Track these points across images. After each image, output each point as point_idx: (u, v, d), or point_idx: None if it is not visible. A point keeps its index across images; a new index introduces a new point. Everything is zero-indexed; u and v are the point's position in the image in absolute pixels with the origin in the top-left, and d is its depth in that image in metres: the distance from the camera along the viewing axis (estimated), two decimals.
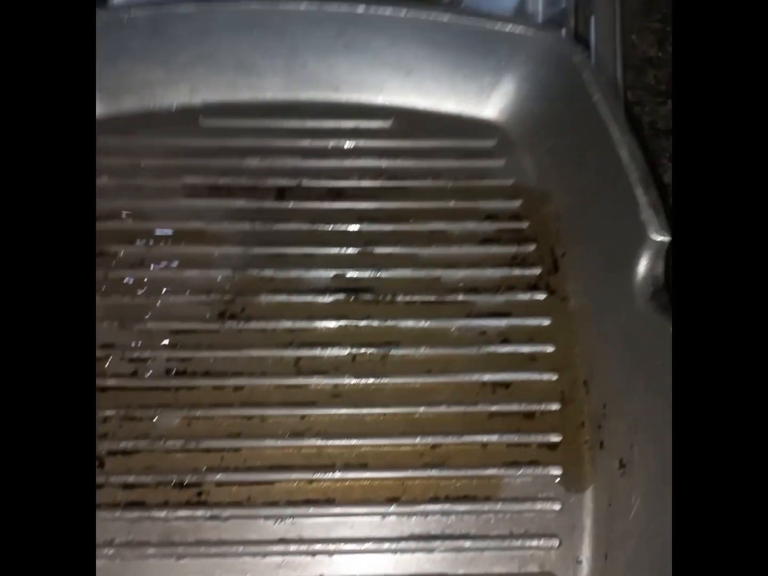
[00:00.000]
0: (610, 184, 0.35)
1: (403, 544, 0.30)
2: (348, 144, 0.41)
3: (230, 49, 0.40)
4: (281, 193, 0.40)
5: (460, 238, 0.38)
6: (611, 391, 0.33)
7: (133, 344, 0.35)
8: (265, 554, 0.30)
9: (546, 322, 0.35)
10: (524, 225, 0.39)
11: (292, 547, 0.30)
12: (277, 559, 0.30)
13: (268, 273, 0.37)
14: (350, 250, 0.38)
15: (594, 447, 0.32)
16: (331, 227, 0.39)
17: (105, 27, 0.36)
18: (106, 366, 0.34)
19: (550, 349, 0.35)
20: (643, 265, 0.32)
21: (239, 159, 0.41)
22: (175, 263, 0.37)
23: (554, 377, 0.34)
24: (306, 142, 0.41)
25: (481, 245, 0.38)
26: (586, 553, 0.30)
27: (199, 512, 0.31)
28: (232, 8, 0.39)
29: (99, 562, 0.29)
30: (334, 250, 0.38)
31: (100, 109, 0.41)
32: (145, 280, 0.36)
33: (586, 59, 0.38)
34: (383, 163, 0.41)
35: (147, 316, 0.35)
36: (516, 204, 0.39)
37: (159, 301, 0.36)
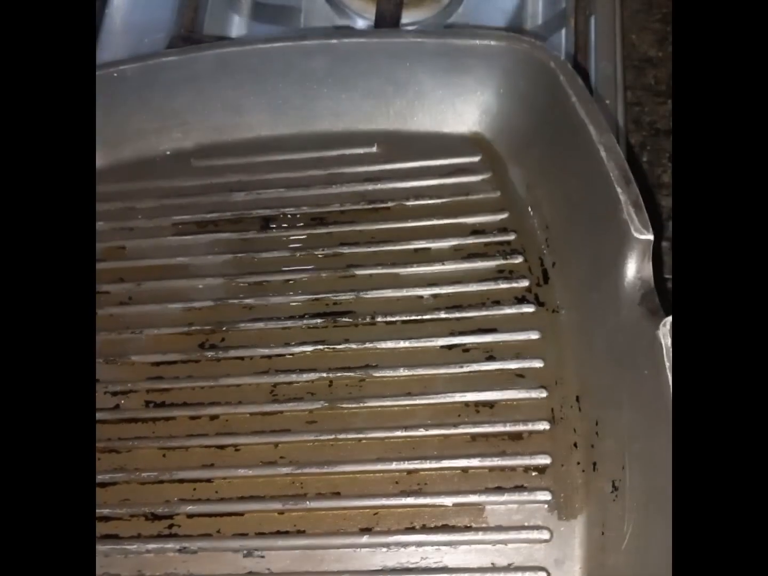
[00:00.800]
0: (593, 187, 0.35)
1: None
2: (331, 172, 0.44)
3: (215, 93, 0.45)
4: (265, 224, 0.43)
5: (444, 254, 0.40)
6: (603, 407, 0.32)
7: (115, 378, 0.37)
8: None
9: (534, 335, 0.36)
10: (511, 237, 0.40)
11: None
12: None
13: (249, 302, 0.40)
14: (330, 274, 0.40)
15: (587, 469, 0.32)
16: (311, 252, 0.41)
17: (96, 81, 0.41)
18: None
19: (538, 364, 0.35)
20: (629, 267, 0.32)
21: (227, 194, 0.44)
22: (160, 299, 0.40)
23: (543, 394, 0.34)
24: (291, 174, 0.44)
25: (465, 260, 0.39)
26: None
27: (169, 545, 0.32)
28: (213, 53, 0.44)
29: None
30: (314, 275, 0.40)
31: (99, 160, 0.47)
32: (132, 316, 0.40)
33: (563, 63, 0.40)
34: (366, 187, 0.43)
35: (131, 351, 0.38)
36: (502, 216, 0.41)
37: (143, 336, 0.39)
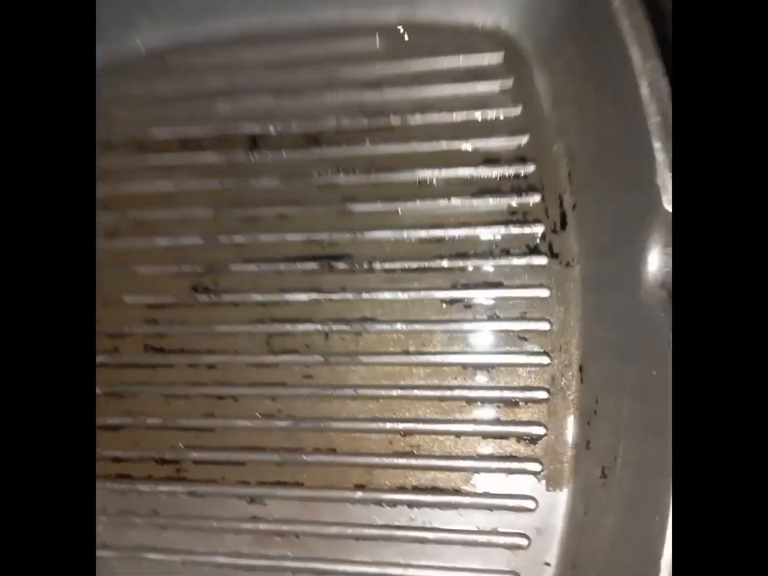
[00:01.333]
0: (628, 126, 0.32)
1: (366, 531, 0.34)
2: (326, 74, 0.40)
3: None
4: (252, 143, 0.40)
5: (451, 189, 0.37)
6: (605, 384, 0.32)
7: (112, 320, 0.39)
8: (237, 531, 0.36)
9: (543, 294, 0.35)
10: (530, 169, 0.37)
11: (262, 526, 0.36)
12: (249, 536, 0.35)
13: (239, 239, 0.40)
14: (326, 209, 0.38)
15: (580, 446, 0.33)
16: (305, 182, 0.39)
17: None
18: None
19: (544, 326, 0.35)
20: (654, 241, 0.30)
21: (210, 102, 0.41)
22: (148, 231, 0.40)
23: (545, 361, 0.35)
24: (280, 76, 0.40)
25: (474, 197, 0.37)
26: (553, 559, 0.32)
27: (179, 488, 0.37)
28: None
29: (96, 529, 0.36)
30: (308, 210, 0.39)
31: None
32: (120, 251, 0.40)
33: None
34: (365, 96, 0.39)
35: (123, 291, 0.39)
36: (522, 141, 0.38)
37: (133, 273, 0.39)
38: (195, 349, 0.41)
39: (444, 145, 0.40)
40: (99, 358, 0.42)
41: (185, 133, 0.44)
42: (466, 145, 0.40)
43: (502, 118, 0.40)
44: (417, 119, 0.41)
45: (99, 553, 0.39)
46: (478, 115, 0.40)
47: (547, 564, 0.35)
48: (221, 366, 0.40)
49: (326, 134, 0.42)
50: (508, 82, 0.40)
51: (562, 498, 0.35)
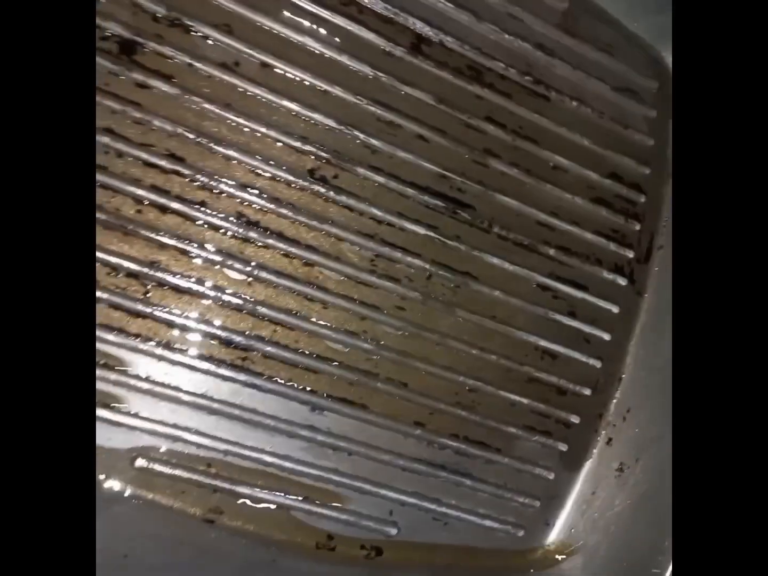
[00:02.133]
0: None
1: (413, 465, 0.41)
2: (510, 9, 0.42)
3: None
4: (417, 44, 0.41)
5: (577, 185, 0.43)
6: (640, 400, 0.43)
7: (206, 167, 0.37)
8: (292, 435, 0.39)
9: (615, 309, 0.44)
10: (641, 199, 0.45)
11: (319, 437, 0.39)
12: (303, 443, 0.39)
13: (374, 143, 0.40)
14: (466, 151, 0.41)
15: (602, 440, 0.43)
16: (456, 114, 0.41)
17: None
18: (172, 183, 0.37)
19: (606, 336, 0.45)
20: None
21: None
22: (274, 83, 0.38)
23: (598, 365, 0.44)
24: None
25: (592, 202, 0.44)
26: (555, 521, 0.43)
27: (241, 376, 0.37)
28: None
29: (131, 395, 0.35)
30: (450, 144, 0.41)
31: None
32: (234, 90, 0.37)
33: None
34: (536, 55, 0.44)
35: (228, 140, 0.37)
36: (643, 171, 0.45)
37: (244, 125, 0.37)
38: (295, 239, 0.41)
39: (586, 142, 0.46)
40: (179, 206, 0.38)
41: None
42: (602, 152, 0.47)
43: (636, 140, 0.47)
44: (572, 105, 0.46)
45: (128, 420, 0.38)
46: (619, 128, 0.47)
47: (547, 524, 0.46)
48: (318, 268, 0.41)
49: (490, 74, 0.44)
50: (652, 112, 0.48)
51: (577, 478, 0.46)
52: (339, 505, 0.42)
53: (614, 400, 0.48)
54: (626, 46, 0.48)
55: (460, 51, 0.44)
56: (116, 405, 0.38)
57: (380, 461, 0.43)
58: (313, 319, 0.41)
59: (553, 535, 0.47)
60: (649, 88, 0.48)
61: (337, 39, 0.41)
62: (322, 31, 0.41)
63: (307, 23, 0.41)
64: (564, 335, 0.47)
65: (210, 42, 0.39)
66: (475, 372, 0.45)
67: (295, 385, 0.41)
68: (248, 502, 0.40)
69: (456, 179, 0.44)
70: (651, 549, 0.42)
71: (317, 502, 0.42)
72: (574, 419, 0.47)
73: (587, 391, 0.47)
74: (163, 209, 0.39)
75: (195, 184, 0.39)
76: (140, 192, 0.38)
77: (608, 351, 0.48)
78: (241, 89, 0.40)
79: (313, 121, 0.41)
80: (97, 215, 0.37)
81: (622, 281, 0.48)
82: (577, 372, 0.47)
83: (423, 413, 0.44)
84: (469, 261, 0.45)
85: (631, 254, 0.48)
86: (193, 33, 0.39)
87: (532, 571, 0.45)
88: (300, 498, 0.41)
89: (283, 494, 0.41)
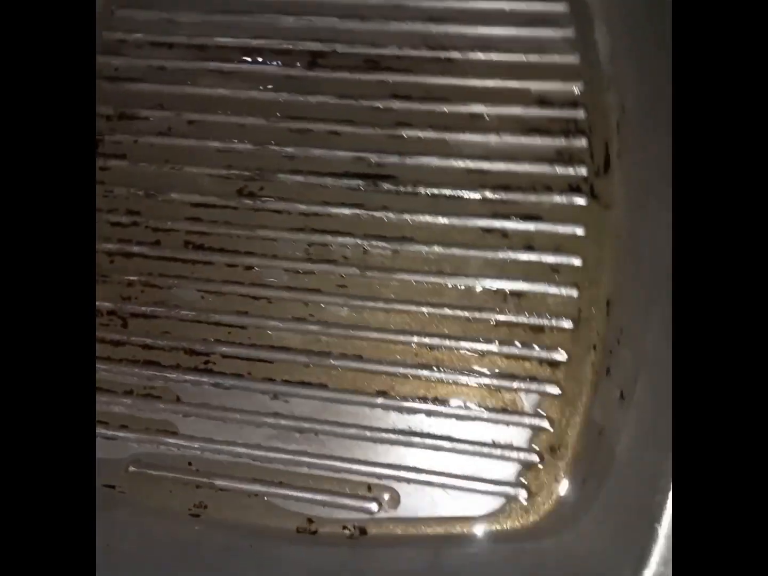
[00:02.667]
0: None
1: (384, 435, 0.41)
2: (392, 2, 0.47)
3: None
4: (313, 60, 0.47)
5: (502, 124, 0.44)
6: (630, 317, 0.39)
7: (156, 214, 0.46)
8: (259, 424, 0.43)
9: (579, 231, 0.42)
10: (580, 114, 0.44)
11: (283, 422, 0.42)
12: (270, 430, 0.42)
13: (290, 150, 0.46)
14: (377, 131, 0.45)
15: (600, 372, 0.40)
16: (360, 102, 0.46)
17: None
18: (133, 233, 0.45)
19: (576, 262, 0.42)
20: None
21: (275, 17, 0.49)
22: (200, 134, 0.47)
23: (574, 293, 0.42)
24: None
25: (524, 135, 0.44)
26: (564, 475, 0.39)
27: (205, 378, 0.44)
28: None
29: (118, 409, 0.43)
30: (360, 130, 0.46)
31: None
32: (171, 149, 0.46)
33: None
34: (429, 28, 0.47)
35: (170, 188, 0.46)
36: (576, 87, 0.45)
37: (182, 172, 0.46)
38: (235, 250, 0.48)
39: (500, 83, 0.48)
40: (139, 249, 0.49)
41: (247, 43, 0.51)
42: (522, 85, 0.47)
43: (559, 63, 0.47)
44: (477, 56, 0.48)
45: (119, 432, 0.46)
46: (536, 58, 0.48)
47: (557, 480, 0.42)
48: (259, 268, 0.47)
49: (386, 59, 0.49)
50: (569, 31, 0.48)
51: (578, 420, 0.42)
52: (314, 486, 0.44)
53: (603, 326, 0.43)
54: None
55: (353, 51, 0.50)
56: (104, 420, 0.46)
57: (348, 436, 0.44)
58: (261, 314, 0.47)
59: (563, 492, 0.41)
60: (558, 9, 0.49)
61: (242, 82, 0.51)
62: (234, 81, 0.52)
63: (220, 80, 0.52)
64: (525, 271, 0.45)
65: (150, 119, 0.52)
66: (431, 329, 0.45)
67: (254, 376, 0.46)
68: (227, 493, 0.45)
69: (372, 157, 0.48)
70: (653, 474, 0.36)
71: (291, 486, 0.44)
72: (560, 356, 0.43)
73: (568, 324, 0.44)
74: (128, 255, 0.50)
75: (148, 228, 0.49)
76: (108, 246, 0.49)
77: (584, 277, 0.44)
78: (178, 146, 0.51)
79: (234, 151, 0.50)
80: None
81: (581, 200, 0.45)
82: (552, 306, 0.44)
83: (384, 381, 0.45)
84: (401, 225, 0.46)
85: (584, 171, 0.46)
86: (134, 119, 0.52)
87: (541, 534, 0.41)
88: (275, 483, 0.44)
89: (258, 483, 0.44)
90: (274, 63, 0.51)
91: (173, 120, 0.51)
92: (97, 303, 0.48)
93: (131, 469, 0.45)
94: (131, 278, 0.48)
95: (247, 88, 0.50)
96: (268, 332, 0.46)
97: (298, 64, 0.50)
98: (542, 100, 0.47)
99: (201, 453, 0.45)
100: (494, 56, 0.48)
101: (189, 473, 0.45)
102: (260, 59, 0.51)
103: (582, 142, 0.46)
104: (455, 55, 0.49)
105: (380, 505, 0.43)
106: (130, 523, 0.45)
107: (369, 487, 0.43)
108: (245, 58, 0.51)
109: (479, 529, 0.42)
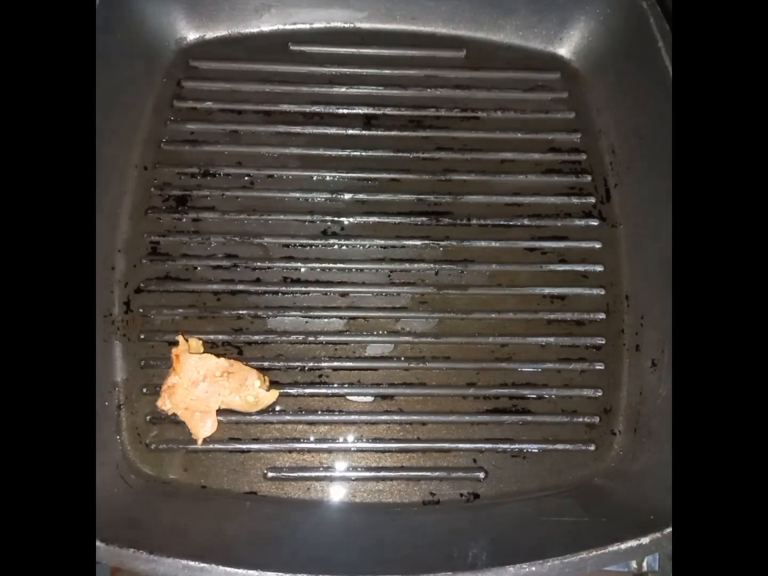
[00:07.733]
0: (664, 129, 0.51)
1: (479, 417, 0.50)
2: (425, 73, 0.56)
3: None
4: (367, 121, 0.56)
5: (526, 167, 0.55)
6: (648, 305, 0.52)
7: (252, 256, 0.52)
8: (374, 423, 0.49)
9: (597, 245, 0.54)
10: (582, 157, 0.56)
11: (396, 417, 0.49)
12: (383, 426, 0.49)
13: (361, 196, 0.54)
14: (430, 177, 0.55)
15: (631, 349, 0.52)
16: (412, 155, 0.55)
17: None
18: (234, 274, 0.52)
19: (599, 268, 0.54)
20: None
21: (328, 86, 0.56)
22: (280, 187, 0.53)
23: (602, 292, 0.53)
24: (387, 71, 0.56)
25: (544, 175, 0.56)
26: (619, 428, 0.50)
27: (322, 390, 0.49)
28: None
29: (246, 425, 0.48)
30: (417, 177, 0.55)
31: (191, 34, 0.56)
32: (256, 200, 0.53)
33: (653, 5, 0.53)
34: (457, 93, 0.57)
35: (261, 233, 0.52)
36: (576, 137, 0.56)
37: (269, 219, 0.53)
38: (328, 281, 0.55)
39: (519, 135, 0.59)
40: (243, 287, 0.54)
41: (307, 109, 0.58)
42: (536, 137, 0.59)
43: (560, 118, 0.60)
44: (497, 115, 0.59)
45: (252, 445, 0.51)
46: (542, 115, 0.60)
47: (614, 433, 0.53)
48: (352, 294, 0.55)
49: (427, 119, 0.59)
50: (564, 95, 0.60)
51: (622, 387, 0.54)
52: (431, 465, 0.52)
53: (627, 315, 0.56)
54: (523, 57, 0.62)
55: (399, 114, 0.60)
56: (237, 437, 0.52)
57: (450, 422, 0.53)
58: (360, 331, 0.54)
59: (621, 441, 0.53)
60: (554, 79, 0.61)
61: (309, 141, 0.59)
62: (302, 140, 0.59)
63: (289, 140, 0.58)
64: (563, 279, 0.56)
65: (231, 176, 0.57)
66: (501, 330, 0.55)
67: (364, 382, 0.53)
68: (360, 482, 0.52)
69: (430, 198, 0.57)
70: None
71: (412, 468, 0.52)
72: (600, 341, 0.55)
73: (602, 315, 0.56)
74: (233, 293, 0.55)
75: (247, 268, 0.55)
76: (213, 287, 0.54)
77: (606, 278, 0.57)
78: (262, 197, 0.57)
79: (313, 200, 0.57)
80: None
81: (595, 222, 0.58)
82: (587, 303, 0.56)
83: (471, 375, 0.54)
84: (463, 250, 0.56)
85: (593, 200, 0.58)
86: (217, 176, 0.57)
87: (611, 476, 0.52)
88: (396, 468, 0.52)
89: (384, 470, 0.52)
90: (335, 127, 0.58)
91: (254, 175, 0.57)
92: (211, 336, 0.53)
93: (270, 475, 0.51)
94: (240, 312, 0.53)
95: (315, 146, 0.58)
96: (369, 345, 0.54)
97: (355, 125, 0.58)
98: (553, 148, 0.59)
99: (329, 454, 0.52)
100: (511, 115, 0.60)
101: (322, 470, 0.51)
102: (321, 122, 0.58)
103: (587, 179, 0.58)
104: (481, 114, 0.60)
105: (486, 472, 0.52)
106: (274, 515, 0.50)
107: (474, 460, 0.52)
108: (308, 122, 0.58)
109: (564, 478, 0.52)
